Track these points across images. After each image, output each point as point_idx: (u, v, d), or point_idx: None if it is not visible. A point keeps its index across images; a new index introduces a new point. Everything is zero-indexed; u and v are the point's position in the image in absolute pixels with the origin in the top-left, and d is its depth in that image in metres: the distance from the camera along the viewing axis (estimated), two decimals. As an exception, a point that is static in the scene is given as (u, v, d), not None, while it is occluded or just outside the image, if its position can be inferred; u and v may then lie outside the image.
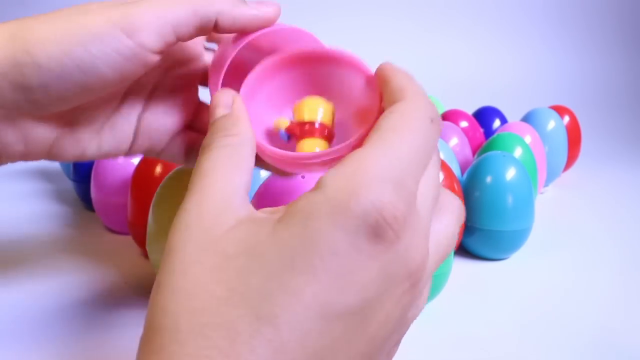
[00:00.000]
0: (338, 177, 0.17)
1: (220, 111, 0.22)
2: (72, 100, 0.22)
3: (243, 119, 0.21)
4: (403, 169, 0.17)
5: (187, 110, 0.28)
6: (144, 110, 0.27)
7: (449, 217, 0.20)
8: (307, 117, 0.23)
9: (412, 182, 0.17)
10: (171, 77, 0.27)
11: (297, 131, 0.23)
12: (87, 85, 0.22)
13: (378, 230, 0.16)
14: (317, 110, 0.23)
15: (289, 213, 0.17)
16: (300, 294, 0.16)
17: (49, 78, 0.21)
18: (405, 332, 0.19)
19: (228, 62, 0.24)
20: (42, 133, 0.24)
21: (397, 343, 0.19)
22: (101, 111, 0.26)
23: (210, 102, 0.23)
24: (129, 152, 0.27)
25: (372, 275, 0.16)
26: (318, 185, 0.17)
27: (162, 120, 0.27)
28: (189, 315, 0.16)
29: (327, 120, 0.23)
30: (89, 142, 0.26)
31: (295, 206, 0.17)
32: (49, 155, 0.25)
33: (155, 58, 0.23)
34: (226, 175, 0.19)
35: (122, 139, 0.27)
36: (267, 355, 0.15)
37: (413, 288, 0.18)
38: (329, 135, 0.23)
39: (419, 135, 0.18)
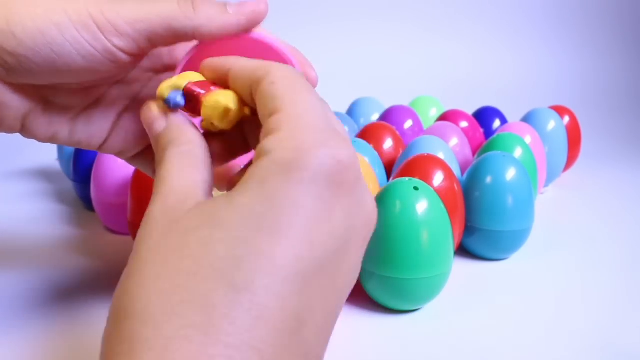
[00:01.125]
0: (278, 141, 0.17)
1: (158, 125, 0.22)
2: (41, 76, 0.23)
3: (184, 125, 0.22)
4: (329, 119, 0.18)
5: None
6: (124, 111, 0.27)
7: None
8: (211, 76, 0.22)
9: (341, 129, 0.19)
10: (158, 82, 0.27)
11: (202, 87, 0.22)
12: (57, 67, 0.22)
13: (338, 177, 0.17)
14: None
15: (242, 182, 0.17)
16: (272, 255, 0.15)
17: (22, 49, 0.21)
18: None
19: (180, 69, 0.24)
20: (15, 102, 0.24)
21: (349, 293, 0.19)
22: (78, 100, 0.26)
23: (142, 119, 0.23)
24: (101, 149, 0.27)
25: (338, 224, 0.16)
26: (260, 153, 0.17)
27: (139, 126, 0.27)
28: (159, 296, 0.15)
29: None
30: (60, 126, 0.26)
31: (246, 175, 0.17)
32: (23, 129, 0.26)
33: (127, 59, 0.23)
34: (184, 174, 0.19)
35: (95, 133, 0.27)
36: (247, 325, 0.15)
37: (369, 234, 0.18)
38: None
39: (311, 89, 0.19)
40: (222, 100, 0.21)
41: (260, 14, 0.23)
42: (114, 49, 0.22)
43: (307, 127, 0.17)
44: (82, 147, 0.27)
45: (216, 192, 0.23)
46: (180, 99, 0.22)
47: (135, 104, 0.27)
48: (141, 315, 0.15)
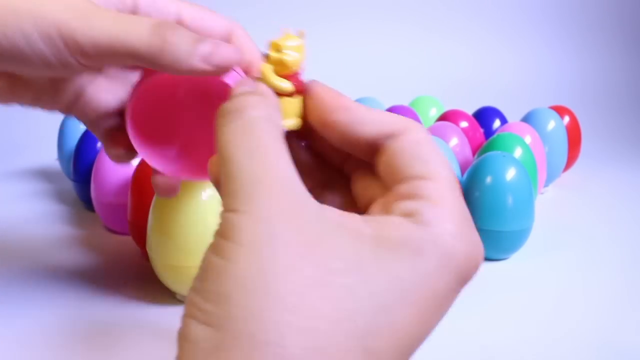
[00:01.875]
0: (441, 218, 0.16)
1: (244, 87, 0.19)
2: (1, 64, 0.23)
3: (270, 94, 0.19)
4: (472, 226, 0.18)
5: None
6: (91, 80, 0.27)
7: None
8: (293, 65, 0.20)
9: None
10: None
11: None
12: (12, 53, 0.22)
13: (469, 276, 0.17)
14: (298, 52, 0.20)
15: (393, 242, 0.16)
16: (402, 332, 0.15)
17: None
18: None
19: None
20: None
21: None
22: (41, 81, 0.26)
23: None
24: (64, 111, 0.27)
25: (451, 304, 0.17)
26: (418, 219, 0.16)
27: (104, 95, 0.27)
28: (297, 335, 0.14)
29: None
30: (25, 92, 0.26)
31: (397, 236, 0.16)
32: None
33: (85, 69, 0.23)
34: (287, 157, 0.17)
35: (60, 99, 0.27)
36: None
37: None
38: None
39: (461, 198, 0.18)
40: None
41: (231, 64, 0.22)
42: (75, 63, 0.22)
43: (466, 218, 0.17)
44: (45, 110, 0.27)
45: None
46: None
47: (103, 75, 0.27)
48: (275, 347, 0.14)
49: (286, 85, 0.20)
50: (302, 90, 0.20)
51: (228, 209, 0.16)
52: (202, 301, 0.15)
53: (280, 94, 0.19)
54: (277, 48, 0.19)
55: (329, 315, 0.15)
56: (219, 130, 0.17)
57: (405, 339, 0.16)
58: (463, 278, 0.17)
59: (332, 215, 0.16)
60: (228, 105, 0.18)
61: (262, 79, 0.20)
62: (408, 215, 0.17)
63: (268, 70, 0.20)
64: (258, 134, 0.17)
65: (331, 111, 0.20)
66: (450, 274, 0.16)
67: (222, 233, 0.16)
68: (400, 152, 0.18)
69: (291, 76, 0.20)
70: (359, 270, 0.15)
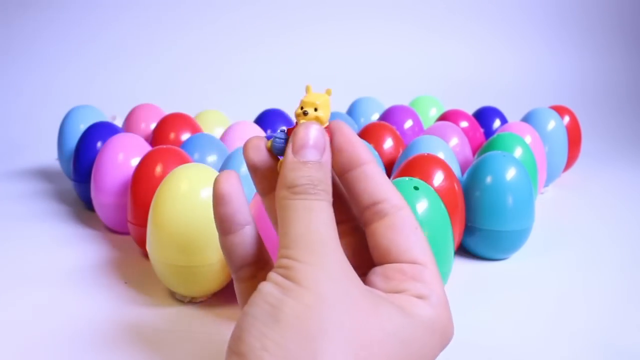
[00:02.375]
0: (440, 304, 0.21)
1: (312, 153, 0.20)
2: None
3: (329, 173, 0.21)
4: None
5: None
6: None
7: None
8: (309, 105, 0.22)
9: None
10: None
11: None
12: None
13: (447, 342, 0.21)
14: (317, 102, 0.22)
15: (421, 320, 0.20)
16: None
17: None
18: None
19: None
20: None
21: None
22: None
23: (298, 130, 0.21)
24: None
25: None
26: (429, 302, 0.21)
27: None
28: None
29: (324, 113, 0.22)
30: None
31: (423, 315, 0.20)
32: None
33: None
34: (336, 239, 0.20)
35: None
36: None
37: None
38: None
39: None
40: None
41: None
42: None
43: (446, 303, 0.21)
44: None
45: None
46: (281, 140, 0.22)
47: None
48: None
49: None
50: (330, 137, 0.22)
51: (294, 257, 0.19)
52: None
53: None
54: (313, 106, 0.21)
55: None
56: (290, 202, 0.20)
57: None
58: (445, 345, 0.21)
59: (375, 291, 0.20)
60: (297, 182, 0.20)
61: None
62: (422, 297, 0.21)
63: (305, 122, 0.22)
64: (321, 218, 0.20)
65: (348, 168, 0.22)
66: (443, 345, 0.21)
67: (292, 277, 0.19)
68: (396, 234, 0.22)
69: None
70: (401, 342, 0.19)
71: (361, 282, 0.20)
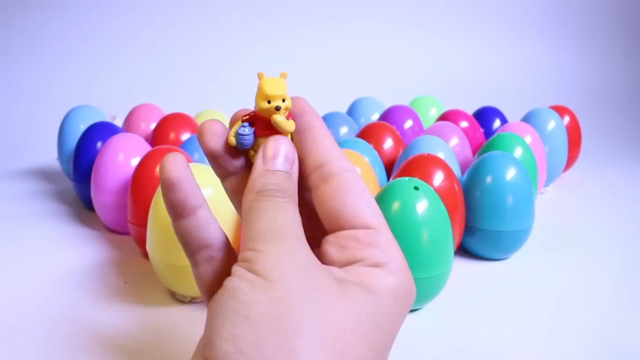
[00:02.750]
0: (401, 267, 0.20)
1: (282, 164, 0.21)
2: None
3: (297, 186, 0.21)
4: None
5: None
6: None
7: None
8: (275, 97, 0.21)
9: None
10: None
11: (264, 116, 0.21)
12: None
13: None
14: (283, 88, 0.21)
15: (380, 290, 0.20)
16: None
17: None
18: None
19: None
20: None
21: None
22: None
23: (268, 143, 0.21)
24: None
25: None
26: (387, 269, 0.20)
27: None
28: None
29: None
30: None
31: (382, 285, 0.20)
32: None
33: None
34: (301, 232, 0.19)
35: None
36: None
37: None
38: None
39: None
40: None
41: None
42: None
43: (406, 265, 0.21)
44: None
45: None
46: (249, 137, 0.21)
47: None
48: None
49: (293, 125, 0.21)
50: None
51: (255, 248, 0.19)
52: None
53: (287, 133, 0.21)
54: (281, 97, 0.21)
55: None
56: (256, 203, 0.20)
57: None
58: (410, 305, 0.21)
59: (332, 272, 0.20)
60: (264, 183, 0.20)
61: (280, 126, 0.21)
62: (380, 265, 0.20)
63: (282, 119, 0.21)
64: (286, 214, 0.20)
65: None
66: (408, 308, 0.21)
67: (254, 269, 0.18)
68: (343, 196, 0.21)
69: (288, 115, 0.21)
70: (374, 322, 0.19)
71: (326, 269, 0.19)
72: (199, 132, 0.22)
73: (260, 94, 0.21)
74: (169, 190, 0.21)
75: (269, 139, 0.21)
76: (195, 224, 0.22)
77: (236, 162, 0.22)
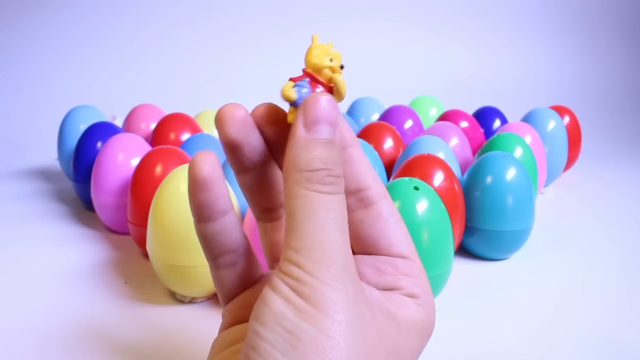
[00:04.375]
0: (429, 305, 0.21)
1: (325, 130, 0.18)
2: None
3: (342, 153, 0.19)
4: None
5: None
6: None
7: None
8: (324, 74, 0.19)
9: None
10: None
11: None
12: None
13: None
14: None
15: (412, 323, 0.20)
16: None
17: None
18: None
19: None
20: None
21: None
22: None
23: (310, 104, 0.18)
24: None
25: None
26: (418, 298, 0.21)
27: None
28: None
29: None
30: None
31: (414, 319, 0.20)
32: None
33: None
34: (349, 250, 0.18)
35: None
36: None
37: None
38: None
39: None
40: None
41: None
42: None
43: (433, 301, 0.22)
44: None
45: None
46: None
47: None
48: None
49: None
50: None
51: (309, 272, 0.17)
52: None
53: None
54: (340, 59, 0.20)
55: None
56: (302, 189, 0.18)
57: None
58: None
59: (372, 294, 0.20)
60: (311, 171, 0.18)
61: (340, 86, 0.20)
62: (413, 296, 0.21)
63: (343, 79, 0.20)
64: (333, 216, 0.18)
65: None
66: (426, 343, 0.21)
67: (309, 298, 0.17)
68: (383, 225, 0.21)
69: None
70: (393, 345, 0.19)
71: (368, 300, 0.18)
72: (217, 118, 0.20)
73: (323, 51, 0.19)
74: (198, 190, 0.19)
75: (309, 97, 0.18)
76: (221, 228, 0.20)
77: (256, 155, 0.20)
